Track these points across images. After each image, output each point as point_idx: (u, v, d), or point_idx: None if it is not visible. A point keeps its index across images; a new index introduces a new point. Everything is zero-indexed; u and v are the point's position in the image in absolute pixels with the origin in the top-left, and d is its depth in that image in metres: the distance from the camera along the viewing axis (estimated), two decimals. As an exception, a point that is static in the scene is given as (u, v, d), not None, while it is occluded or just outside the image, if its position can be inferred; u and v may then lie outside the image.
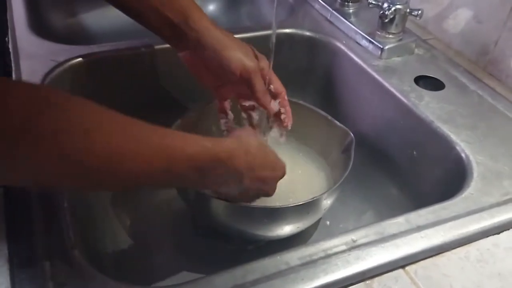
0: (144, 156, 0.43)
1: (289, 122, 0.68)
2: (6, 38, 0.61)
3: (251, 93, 0.64)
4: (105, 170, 0.41)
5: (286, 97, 0.68)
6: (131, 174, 0.43)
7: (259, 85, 0.63)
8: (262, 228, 0.61)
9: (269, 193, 0.59)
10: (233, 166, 0.50)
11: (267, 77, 0.65)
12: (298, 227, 0.62)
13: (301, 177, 0.71)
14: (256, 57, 0.64)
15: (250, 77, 0.62)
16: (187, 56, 0.65)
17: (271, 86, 0.66)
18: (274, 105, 0.66)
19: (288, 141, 0.75)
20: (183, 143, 0.47)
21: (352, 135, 0.67)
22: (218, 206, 0.59)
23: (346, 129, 0.69)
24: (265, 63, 0.64)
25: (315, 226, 0.70)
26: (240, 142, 0.53)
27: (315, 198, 0.59)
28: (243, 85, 0.63)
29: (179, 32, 0.62)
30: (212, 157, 0.48)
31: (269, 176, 0.56)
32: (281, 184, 0.67)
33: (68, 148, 0.38)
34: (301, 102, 0.74)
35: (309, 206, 0.59)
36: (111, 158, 0.41)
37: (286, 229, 0.61)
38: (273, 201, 0.61)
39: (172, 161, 0.45)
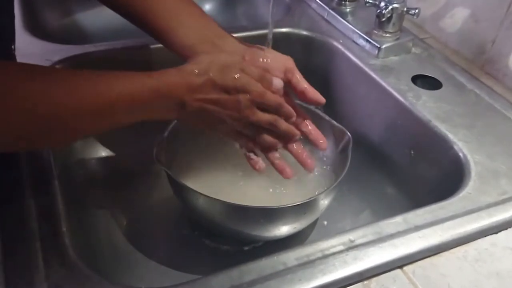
0: (87, 110, 0.47)
1: (319, 97, 0.64)
2: (13, 46, 0.61)
3: None
4: (54, 127, 0.46)
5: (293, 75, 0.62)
6: (81, 126, 0.48)
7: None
8: (258, 229, 0.61)
9: (240, 114, 0.55)
10: (171, 95, 0.53)
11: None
12: (295, 228, 0.62)
13: (298, 177, 0.70)
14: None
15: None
16: None
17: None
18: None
19: None
20: (125, 84, 0.50)
21: (349, 134, 0.67)
22: (215, 207, 0.59)
23: (344, 128, 0.68)
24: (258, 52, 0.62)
25: (312, 226, 0.70)
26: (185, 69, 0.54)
27: (312, 198, 0.58)
28: None
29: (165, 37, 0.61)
30: (151, 92, 0.51)
31: (221, 98, 0.54)
32: (277, 184, 0.67)
33: (17, 109, 0.42)
34: (297, 101, 0.74)
35: (306, 206, 0.59)
36: (56, 116, 0.45)
37: (283, 230, 0.61)
38: (269, 201, 0.60)
39: (116, 104, 0.49)
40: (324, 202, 0.62)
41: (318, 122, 0.72)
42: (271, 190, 0.67)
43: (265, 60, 0.59)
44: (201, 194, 0.57)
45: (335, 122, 0.70)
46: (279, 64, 0.60)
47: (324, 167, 0.71)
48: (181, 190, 0.61)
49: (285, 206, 0.58)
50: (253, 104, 0.56)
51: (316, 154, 0.73)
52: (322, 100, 0.62)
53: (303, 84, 0.61)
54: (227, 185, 0.67)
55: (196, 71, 0.54)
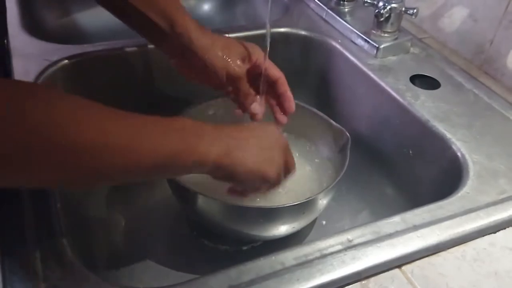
0: (135, 153, 0.43)
1: (290, 106, 0.67)
2: (5, 40, 0.61)
3: (236, 95, 0.65)
4: (92, 164, 0.41)
5: (285, 82, 0.66)
6: (122, 168, 0.43)
7: (243, 88, 0.64)
8: (257, 228, 0.61)
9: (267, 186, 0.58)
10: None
11: (263, 67, 0.64)
12: (293, 227, 0.62)
13: (296, 177, 0.70)
14: (247, 51, 0.64)
15: (235, 82, 0.63)
16: (178, 63, 0.64)
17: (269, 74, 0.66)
18: (255, 108, 0.66)
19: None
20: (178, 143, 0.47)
21: (348, 134, 0.67)
22: (213, 207, 0.59)
23: (342, 128, 0.68)
24: (258, 52, 0.64)
25: (310, 226, 0.70)
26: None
27: (310, 198, 0.58)
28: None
29: (164, 37, 0.61)
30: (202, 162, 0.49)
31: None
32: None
33: (59, 142, 0.38)
34: (296, 101, 0.74)
35: (304, 206, 0.59)
36: (100, 152, 0.40)
37: (282, 229, 0.61)
38: (268, 201, 0.60)
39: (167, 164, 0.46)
40: (322, 202, 0.62)
41: (316, 121, 0.72)
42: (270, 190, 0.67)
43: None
44: (200, 194, 0.57)
45: (333, 122, 0.70)
46: (219, 73, 0.62)
47: (323, 166, 0.71)
48: (180, 191, 0.61)
49: (283, 206, 0.58)
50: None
51: (316, 153, 0.73)
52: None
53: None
54: (226, 185, 0.67)
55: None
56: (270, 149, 0.56)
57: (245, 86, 0.64)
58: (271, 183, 0.57)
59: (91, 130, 0.40)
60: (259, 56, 0.64)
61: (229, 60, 0.62)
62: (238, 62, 0.63)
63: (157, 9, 0.60)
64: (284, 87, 0.66)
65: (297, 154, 0.74)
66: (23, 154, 0.36)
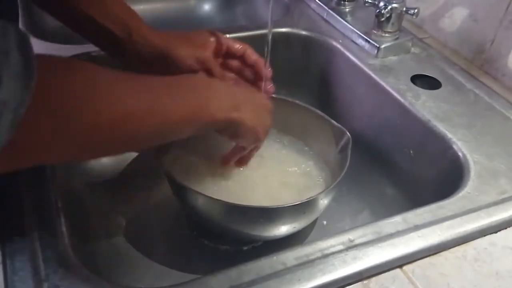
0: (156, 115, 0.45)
1: (268, 71, 0.68)
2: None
3: None
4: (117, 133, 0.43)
5: (252, 52, 0.68)
6: (145, 133, 0.45)
7: (216, 71, 0.66)
8: (258, 228, 0.61)
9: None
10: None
11: (223, 48, 0.67)
12: (294, 227, 0.62)
13: (297, 177, 0.70)
14: (207, 37, 0.66)
15: (206, 67, 0.65)
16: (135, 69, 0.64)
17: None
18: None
19: (284, 140, 0.75)
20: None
21: (348, 134, 0.67)
22: (214, 207, 0.59)
23: (343, 128, 0.68)
24: (218, 34, 0.67)
25: (311, 226, 0.70)
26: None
27: (311, 198, 0.58)
28: None
29: (121, 44, 0.61)
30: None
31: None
32: (276, 184, 0.67)
33: (87, 118, 0.39)
34: (297, 101, 0.74)
35: (305, 206, 0.59)
36: (123, 120, 0.42)
37: (282, 229, 0.61)
38: (269, 201, 0.60)
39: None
40: (323, 202, 0.62)
41: (317, 121, 0.72)
42: (270, 190, 0.67)
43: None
44: (201, 194, 0.57)
45: (334, 122, 0.70)
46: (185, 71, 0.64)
47: (323, 166, 0.71)
48: (180, 190, 0.61)
49: (284, 206, 0.58)
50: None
51: (316, 153, 0.73)
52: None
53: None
54: (226, 185, 0.67)
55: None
56: (261, 106, 0.59)
57: (218, 68, 0.66)
58: (260, 140, 0.60)
59: (116, 102, 0.42)
60: (220, 36, 0.67)
61: (193, 48, 0.64)
62: (203, 48, 0.65)
63: (113, 17, 0.60)
64: (253, 57, 0.68)
65: (296, 154, 0.74)
66: (52, 127, 0.37)
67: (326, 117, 0.71)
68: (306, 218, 0.62)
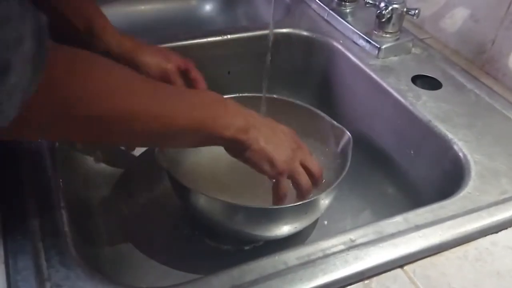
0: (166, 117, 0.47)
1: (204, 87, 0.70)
2: None
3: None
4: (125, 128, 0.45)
5: (194, 68, 0.70)
6: (156, 133, 0.47)
7: (179, 83, 0.67)
8: (259, 228, 0.61)
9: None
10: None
11: (183, 65, 0.68)
12: (295, 227, 0.62)
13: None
14: (165, 53, 0.67)
15: (170, 78, 0.66)
16: None
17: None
18: None
19: None
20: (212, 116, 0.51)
21: (349, 134, 0.67)
22: (216, 207, 0.59)
23: (344, 128, 0.69)
24: (174, 53, 0.69)
25: (313, 225, 0.70)
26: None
27: (312, 198, 0.58)
28: None
29: (85, 41, 0.61)
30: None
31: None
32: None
33: (94, 110, 0.41)
34: (298, 102, 0.74)
35: (306, 206, 0.59)
36: (130, 117, 0.44)
37: (284, 229, 0.61)
38: (270, 201, 0.60)
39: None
40: (324, 202, 0.62)
41: (318, 122, 0.72)
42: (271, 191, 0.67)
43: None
44: (202, 194, 0.57)
45: (335, 122, 0.70)
46: (154, 70, 0.65)
47: (325, 167, 0.72)
48: (182, 191, 0.61)
49: (286, 206, 0.58)
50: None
51: (317, 153, 0.73)
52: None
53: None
54: (228, 185, 0.67)
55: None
56: (282, 136, 0.58)
57: (179, 79, 0.67)
58: (278, 169, 0.56)
59: (128, 99, 0.44)
60: (177, 56, 0.68)
61: (160, 57, 0.65)
62: (167, 60, 0.66)
63: (77, 11, 0.61)
64: (195, 72, 0.69)
65: None
66: (61, 111, 0.40)
67: (327, 117, 0.71)
68: (307, 218, 0.62)
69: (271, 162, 0.56)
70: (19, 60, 0.33)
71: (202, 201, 0.59)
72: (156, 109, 0.46)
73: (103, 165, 0.75)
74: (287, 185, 0.58)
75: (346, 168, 0.62)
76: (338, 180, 0.61)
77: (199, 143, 0.54)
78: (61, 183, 0.56)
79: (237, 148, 0.54)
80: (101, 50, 0.62)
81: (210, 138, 0.52)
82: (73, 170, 0.71)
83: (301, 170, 0.58)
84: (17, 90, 0.34)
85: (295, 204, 0.57)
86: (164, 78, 0.65)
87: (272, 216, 0.59)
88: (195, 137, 0.51)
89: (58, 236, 0.49)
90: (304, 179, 0.58)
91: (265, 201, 0.61)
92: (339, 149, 0.69)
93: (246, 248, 0.66)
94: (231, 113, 0.53)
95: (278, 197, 0.58)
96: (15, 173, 0.56)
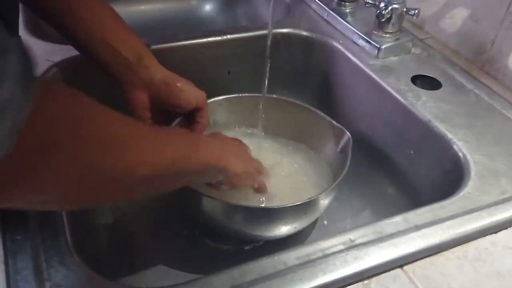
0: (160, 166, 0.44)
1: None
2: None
3: (196, 121, 0.68)
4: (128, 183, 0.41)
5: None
6: (147, 184, 0.44)
7: (206, 115, 0.69)
8: (259, 228, 0.61)
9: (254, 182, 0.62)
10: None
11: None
12: (295, 227, 0.62)
13: (298, 177, 0.70)
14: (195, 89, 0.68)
15: (203, 105, 0.67)
16: (139, 96, 0.65)
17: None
18: None
19: (285, 140, 0.75)
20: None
21: (349, 134, 0.67)
22: (216, 207, 0.59)
23: (343, 128, 0.69)
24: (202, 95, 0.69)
25: (312, 226, 0.70)
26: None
27: (312, 198, 0.58)
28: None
29: (131, 69, 0.63)
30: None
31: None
32: (277, 183, 0.67)
33: (96, 164, 0.37)
34: (297, 101, 0.74)
35: (306, 206, 0.59)
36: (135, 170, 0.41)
37: (283, 229, 0.61)
38: (270, 201, 0.61)
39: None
40: (324, 202, 0.62)
41: (317, 121, 0.72)
42: (271, 191, 0.67)
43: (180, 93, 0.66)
44: (202, 194, 0.57)
45: (334, 122, 0.70)
46: (191, 97, 0.67)
47: (324, 166, 0.72)
48: (182, 191, 0.61)
49: (285, 206, 0.58)
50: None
51: (317, 153, 0.73)
52: None
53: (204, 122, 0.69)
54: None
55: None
56: (245, 152, 0.63)
57: (206, 117, 0.69)
58: (257, 179, 0.62)
59: (109, 134, 0.39)
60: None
61: (193, 87, 0.67)
62: (198, 89, 0.67)
63: (126, 44, 0.62)
64: (205, 117, 0.69)
65: (297, 154, 0.74)
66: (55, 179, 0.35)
67: (327, 117, 0.71)
68: (307, 218, 0.62)
69: (252, 175, 0.61)
70: (7, 75, 0.28)
71: (202, 201, 0.59)
72: (156, 159, 0.43)
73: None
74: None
75: (346, 168, 0.62)
76: (338, 180, 0.61)
77: (185, 180, 0.52)
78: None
79: (220, 175, 0.56)
80: (145, 77, 0.64)
81: (193, 172, 0.51)
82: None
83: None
84: (8, 109, 0.28)
85: (295, 204, 0.58)
86: (200, 104, 0.67)
87: (271, 216, 0.59)
88: (178, 175, 0.49)
89: (58, 237, 0.49)
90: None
91: (264, 201, 0.61)
92: (339, 149, 0.69)
93: (246, 248, 0.67)
94: (206, 143, 0.55)
95: (263, 190, 0.64)
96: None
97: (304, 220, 0.63)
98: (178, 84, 0.65)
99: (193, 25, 1.15)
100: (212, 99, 0.72)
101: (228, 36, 0.84)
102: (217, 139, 0.61)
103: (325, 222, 0.72)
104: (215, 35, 0.84)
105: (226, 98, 0.73)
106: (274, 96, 0.74)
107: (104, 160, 0.38)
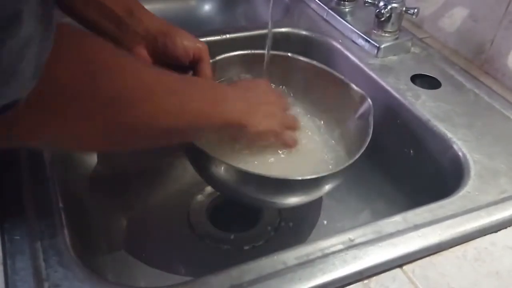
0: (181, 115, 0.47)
1: None
2: None
3: (198, 73, 0.65)
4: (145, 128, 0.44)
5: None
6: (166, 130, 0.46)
7: (208, 68, 0.65)
8: (277, 197, 0.60)
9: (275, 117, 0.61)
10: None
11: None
12: (309, 198, 0.61)
13: (312, 145, 0.68)
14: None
15: (203, 57, 0.64)
16: (139, 53, 0.63)
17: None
18: None
19: (298, 106, 0.73)
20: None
21: (369, 101, 0.65)
22: (234, 175, 0.57)
23: (364, 93, 0.66)
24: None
25: (311, 225, 0.70)
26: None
27: (339, 169, 0.57)
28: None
29: (124, 24, 0.62)
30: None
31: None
32: (290, 153, 0.65)
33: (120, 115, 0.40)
34: (314, 62, 0.72)
35: (322, 180, 0.57)
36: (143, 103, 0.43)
37: (294, 200, 0.60)
38: (281, 170, 0.59)
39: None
40: (339, 179, 0.60)
41: (335, 84, 0.70)
42: (286, 161, 0.65)
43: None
44: (217, 159, 0.55)
45: (354, 86, 0.68)
46: (189, 47, 0.64)
47: (342, 135, 0.70)
48: (195, 155, 0.59)
49: (323, 174, 0.56)
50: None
51: (333, 120, 0.71)
52: None
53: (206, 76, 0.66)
54: (243, 153, 0.63)
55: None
56: (269, 104, 0.61)
57: (209, 70, 0.65)
58: (280, 136, 0.62)
59: (138, 84, 0.42)
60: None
61: (192, 38, 0.64)
62: (197, 40, 0.65)
63: (117, 2, 0.61)
64: (207, 70, 0.66)
65: (311, 120, 0.72)
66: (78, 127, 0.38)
67: (345, 79, 0.69)
68: (318, 192, 0.61)
69: (274, 133, 0.60)
70: (29, 12, 0.29)
71: (216, 166, 0.56)
72: (163, 96, 0.45)
73: (102, 166, 0.75)
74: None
75: (369, 136, 0.60)
76: (361, 152, 0.59)
77: (207, 131, 0.54)
78: (59, 183, 0.56)
79: (241, 134, 0.56)
80: (140, 30, 0.62)
81: (216, 125, 0.52)
82: (72, 170, 0.71)
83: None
84: (32, 44, 0.29)
85: (333, 171, 0.57)
86: (199, 55, 0.65)
87: (286, 187, 0.57)
88: (201, 125, 0.51)
89: (57, 237, 0.49)
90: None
91: (277, 171, 0.60)
92: (357, 115, 0.66)
93: (246, 248, 0.66)
94: (231, 99, 0.55)
95: (289, 145, 0.64)
96: (14, 173, 0.56)
97: (316, 193, 0.62)
98: (175, 34, 0.63)
99: (193, 25, 1.15)
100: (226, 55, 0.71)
101: (227, 36, 0.84)
102: (242, 91, 0.60)
103: (325, 222, 0.72)
104: (214, 35, 0.84)
105: (240, 54, 0.72)
106: (289, 54, 0.72)
107: (126, 110, 0.41)
